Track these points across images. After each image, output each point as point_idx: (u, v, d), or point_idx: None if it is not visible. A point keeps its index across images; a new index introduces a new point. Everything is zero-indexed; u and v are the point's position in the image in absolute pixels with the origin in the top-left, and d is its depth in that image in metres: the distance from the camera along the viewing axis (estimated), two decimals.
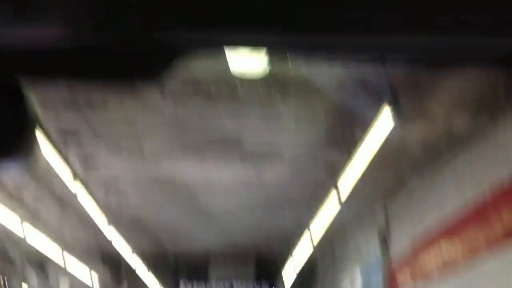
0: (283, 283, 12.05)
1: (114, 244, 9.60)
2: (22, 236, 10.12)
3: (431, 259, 6.37)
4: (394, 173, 7.16)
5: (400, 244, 7.66)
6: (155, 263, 13.17)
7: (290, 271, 10.94)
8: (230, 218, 9.90)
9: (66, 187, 7.44)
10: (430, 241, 6.45)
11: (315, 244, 8.62)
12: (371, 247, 8.65)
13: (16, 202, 7.81)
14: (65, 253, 10.29)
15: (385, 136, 4.84)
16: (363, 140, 5.15)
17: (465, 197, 5.65)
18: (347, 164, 5.73)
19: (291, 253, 10.05)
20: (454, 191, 5.94)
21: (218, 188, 8.07)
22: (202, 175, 7.58)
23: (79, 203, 7.88)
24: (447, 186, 6.14)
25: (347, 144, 5.90)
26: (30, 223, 8.45)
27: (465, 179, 5.72)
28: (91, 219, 8.60)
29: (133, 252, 10.14)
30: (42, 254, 12.37)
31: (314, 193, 7.63)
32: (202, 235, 11.57)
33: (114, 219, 8.43)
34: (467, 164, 5.70)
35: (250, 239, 11.61)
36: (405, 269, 7.36)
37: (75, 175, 6.56)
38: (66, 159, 6.19)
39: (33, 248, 11.91)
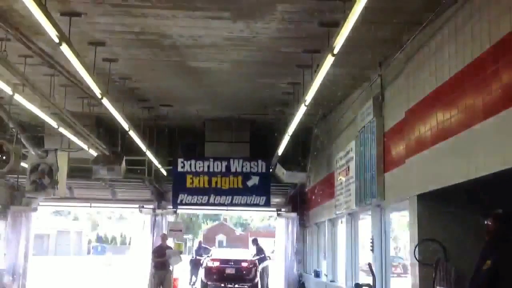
0: (278, 156, 12.28)
1: (110, 117, 9.56)
2: (17, 111, 10.09)
3: (426, 125, 6.32)
4: (392, 34, 6.91)
5: (395, 110, 7.60)
6: (153, 139, 13.33)
7: (283, 145, 11.04)
8: (220, 79, 9.70)
9: (55, 52, 7.23)
10: (426, 107, 6.36)
11: (308, 111, 8.54)
12: (365, 114, 8.61)
13: (9, 73, 7.60)
14: (62, 128, 10.30)
15: None
16: None
17: (464, 61, 5.46)
18: (342, 20, 5.45)
19: (285, 123, 10.04)
20: (453, 54, 5.74)
21: (209, 47, 7.79)
22: (191, 33, 7.28)
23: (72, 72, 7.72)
24: (445, 49, 5.92)
25: None
26: (23, 95, 8.33)
27: (465, 40, 5.49)
28: (86, 89, 8.47)
29: (129, 128, 10.16)
30: (39, 129, 12.48)
31: (308, 51, 7.42)
32: (194, 101, 11.50)
33: (106, 87, 8.29)
34: (467, 22, 5.44)
35: (243, 104, 11.55)
36: (399, 134, 7.36)
37: (62, 37, 6.29)
38: (51, 20, 5.89)
39: (30, 123, 12.00)
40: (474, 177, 5.17)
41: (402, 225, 8.92)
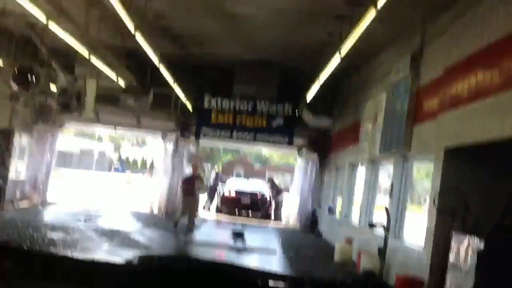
0: (305, 101, 12.28)
1: (141, 50, 9.58)
2: (51, 36, 10.17)
3: (464, 83, 6.29)
4: None
5: (432, 67, 7.54)
6: (181, 75, 13.39)
7: (313, 91, 11.04)
8: (256, 25, 9.59)
9: None
10: (466, 66, 6.31)
11: (342, 62, 8.47)
12: (401, 69, 8.56)
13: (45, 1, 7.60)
14: (93, 57, 10.39)
15: None
16: None
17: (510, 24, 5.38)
18: None
19: (316, 71, 9.98)
20: (502, 18, 5.63)
21: None
22: None
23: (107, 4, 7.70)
24: (494, 12, 5.80)
25: None
26: (57, 23, 8.36)
27: None
28: (119, 21, 8.48)
29: (159, 62, 10.19)
30: (71, 55, 12.58)
31: (350, 3, 7.28)
32: (227, 43, 11.45)
33: (140, 23, 8.28)
34: None
35: (276, 50, 11.46)
36: (433, 90, 7.35)
37: None
38: None
39: (62, 49, 12.09)
40: (508, 135, 5.21)
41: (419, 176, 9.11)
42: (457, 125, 6.45)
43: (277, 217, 18.34)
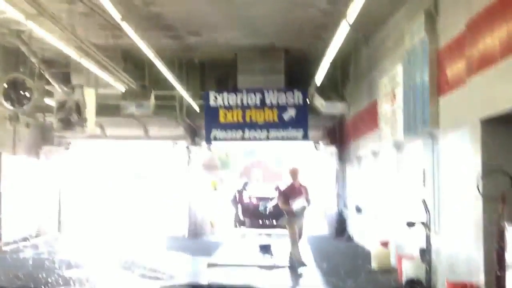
0: (315, 86, 11.43)
1: (136, 48, 8.91)
2: (40, 46, 9.51)
3: (494, 36, 5.32)
4: None
5: (451, 23, 6.59)
6: (181, 72, 12.67)
7: (322, 72, 10.20)
8: (256, 8, 8.85)
9: None
10: (494, 16, 5.36)
11: (350, 33, 7.60)
12: (414, 31, 7.61)
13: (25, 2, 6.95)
14: (86, 61, 9.67)
15: None
16: None
17: None
18: None
19: (323, 51, 9.12)
20: None
21: None
22: None
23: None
24: None
25: None
26: (39, 24, 7.71)
27: None
28: (106, 16, 7.79)
29: (155, 57, 9.46)
30: (64, 64, 11.93)
31: None
32: (223, 28, 10.68)
33: (128, 12, 7.55)
34: None
35: (276, 28, 10.65)
36: (457, 50, 6.39)
37: None
38: None
39: (54, 59, 11.45)
40: None
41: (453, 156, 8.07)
42: (492, 88, 5.44)
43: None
